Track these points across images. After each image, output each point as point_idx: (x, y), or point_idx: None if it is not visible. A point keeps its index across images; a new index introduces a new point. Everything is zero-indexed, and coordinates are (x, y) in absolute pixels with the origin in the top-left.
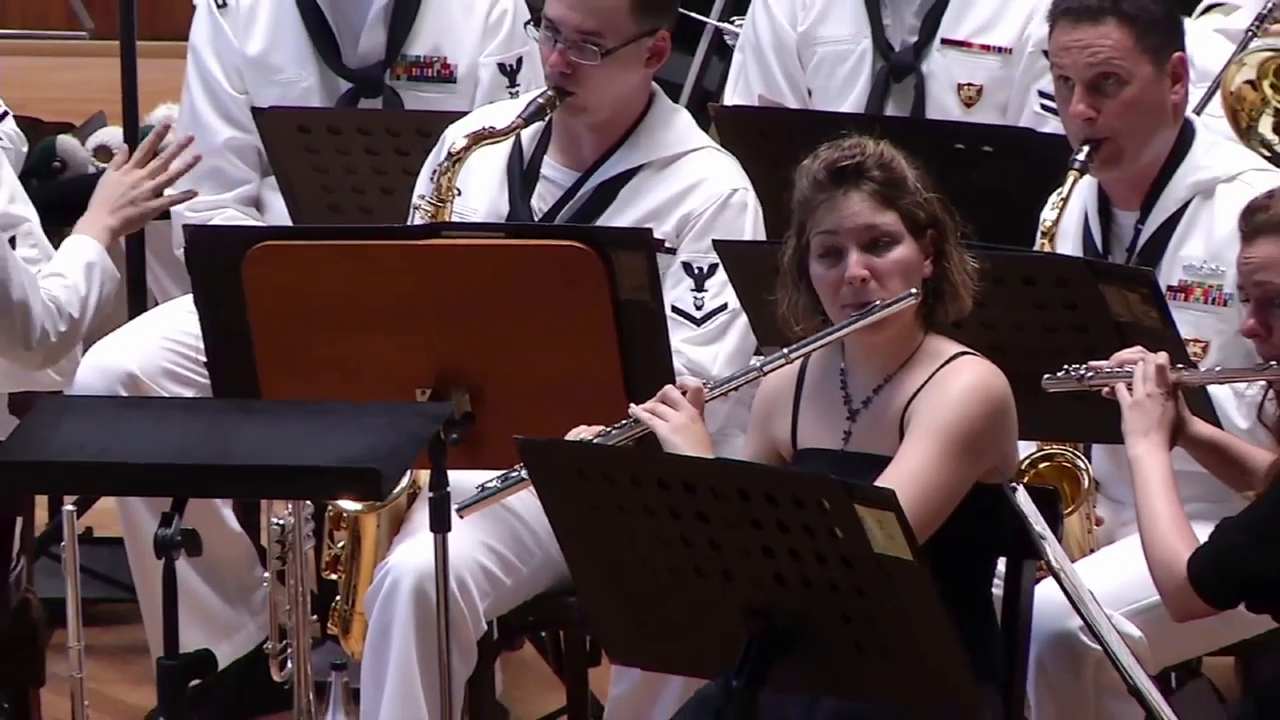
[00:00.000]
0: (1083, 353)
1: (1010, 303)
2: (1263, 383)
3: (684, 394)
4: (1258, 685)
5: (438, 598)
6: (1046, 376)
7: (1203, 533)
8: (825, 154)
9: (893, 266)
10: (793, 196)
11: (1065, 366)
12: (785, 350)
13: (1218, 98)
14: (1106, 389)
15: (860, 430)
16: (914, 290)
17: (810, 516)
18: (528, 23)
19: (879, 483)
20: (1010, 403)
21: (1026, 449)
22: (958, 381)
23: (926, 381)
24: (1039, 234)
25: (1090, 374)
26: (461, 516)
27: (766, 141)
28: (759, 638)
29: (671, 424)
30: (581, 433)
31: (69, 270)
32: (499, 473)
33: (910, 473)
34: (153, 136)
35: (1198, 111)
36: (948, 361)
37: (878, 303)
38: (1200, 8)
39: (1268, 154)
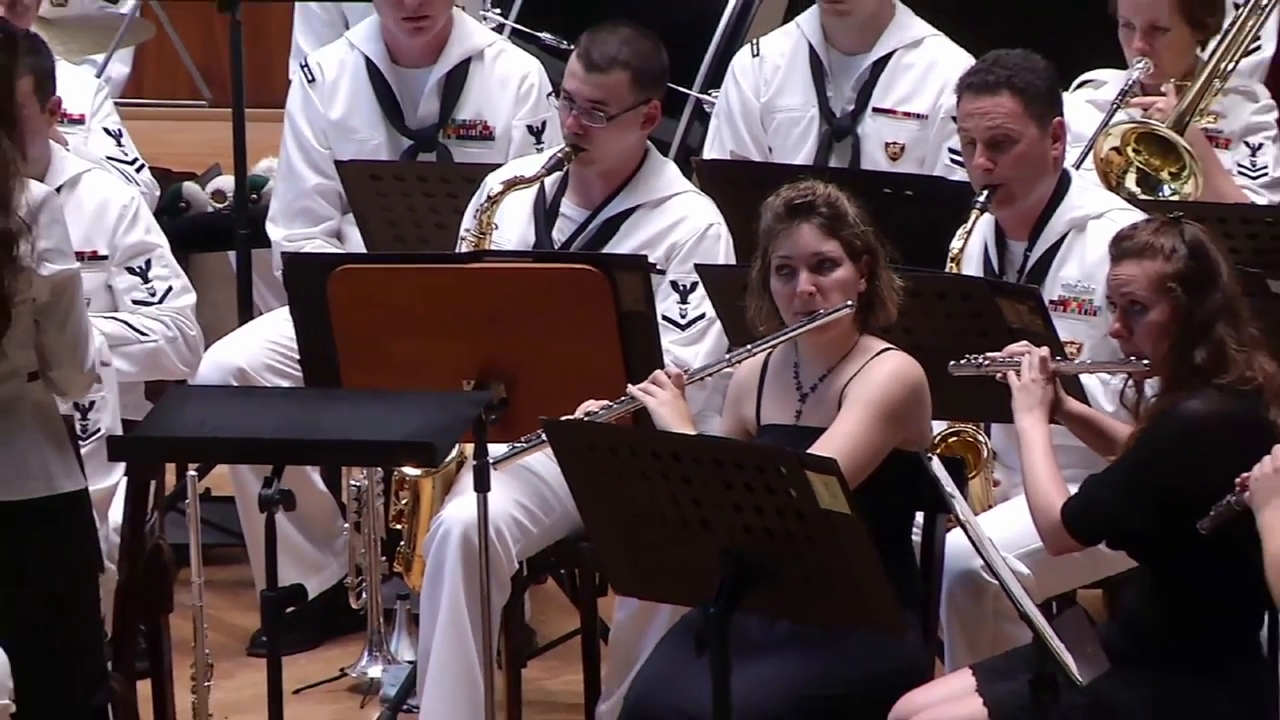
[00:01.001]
0: (983, 347)
1: (926, 313)
2: (1124, 374)
3: (669, 378)
4: (1120, 611)
5: (480, 543)
6: (952, 363)
7: (1074, 490)
8: (784, 193)
9: (834, 284)
10: (758, 227)
11: (967, 355)
12: (749, 346)
13: (1090, 159)
14: (1000, 374)
15: (809, 409)
16: (850, 302)
17: (771, 480)
18: (550, 94)
19: (821, 441)
20: (925, 387)
21: (939, 427)
22: (883, 368)
23: (859, 370)
24: (949, 260)
25: (987, 362)
26: (495, 469)
27: (736, 188)
28: (731, 575)
29: (658, 399)
30: (590, 405)
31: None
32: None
33: (843, 434)
34: None
35: (1076, 167)
36: (876, 355)
37: (821, 312)
38: (1075, 83)
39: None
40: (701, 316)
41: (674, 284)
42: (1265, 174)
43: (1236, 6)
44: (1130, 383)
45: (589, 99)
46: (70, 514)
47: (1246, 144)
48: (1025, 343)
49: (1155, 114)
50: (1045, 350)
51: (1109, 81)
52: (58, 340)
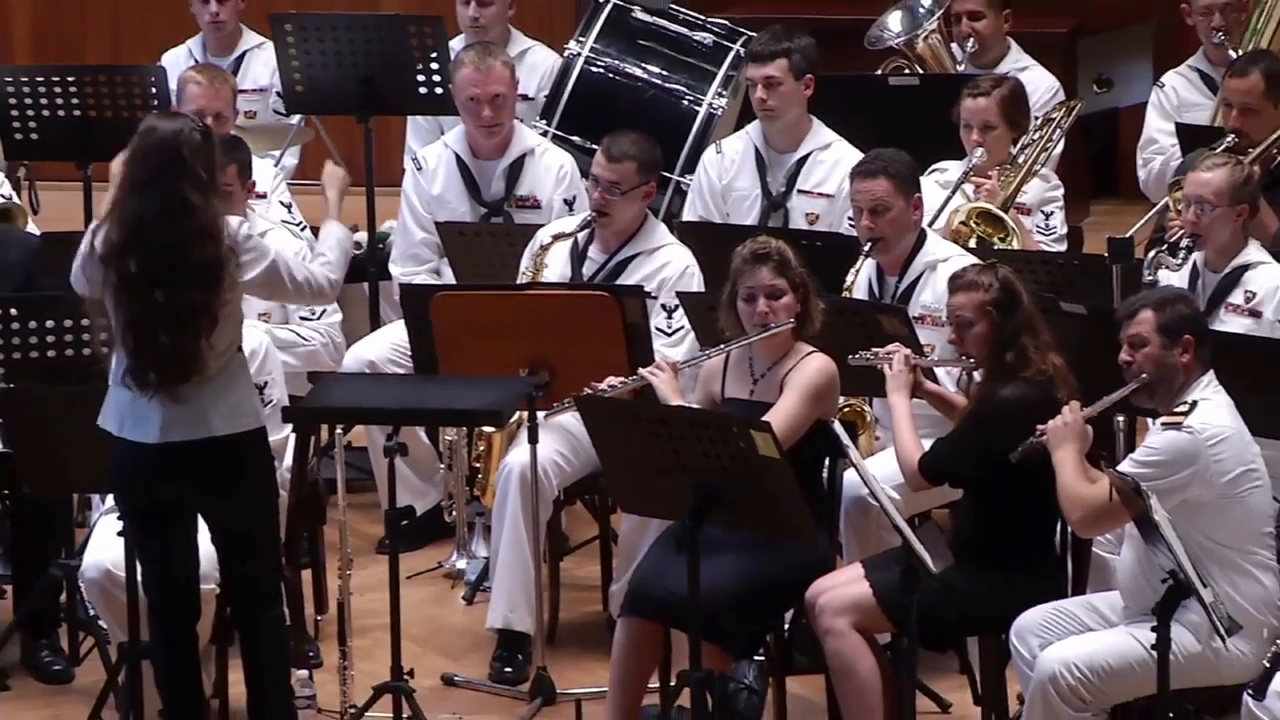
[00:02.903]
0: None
1: (837, 326)
2: (959, 368)
3: (668, 365)
4: (957, 525)
5: (532, 477)
6: (849, 357)
7: (927, 445)
8: (750, 244)
9: (781, 307)
10: (726, 267)
11: (859, 352)
12: (721, 345)
13: (941, 219)
14: (879, 366)
15: (759, 389)
16: (791, 320)
17: (727, 436)
18: (583, 175)
19: (767, 417)
20: (837, 377)
21: (840, 400)
22: (812, 364)
23: (795, 365)
24: (845, 289)
25: (871, 357)
26: (546, 419)
27: (704, 241)
28: (699, 499)
29: (660, 379)
30: (611, 380)
31: (328, 250)
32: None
33: (786, 409)
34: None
35: (929, 226)
36: (806, 355)
37: (773, 325)
38: (929, 170)
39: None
40: (682, 328)
41: (663, 305)
42: (1055, 232)
43: (1037, 118)
44: (964, 373)
45: (608, 180)
46: (265, 446)
47: (1043, 212)
48: (896, 344)
49: (985, 193)
50: (909, 350)
51: (950, 169)
52: (295, 294)
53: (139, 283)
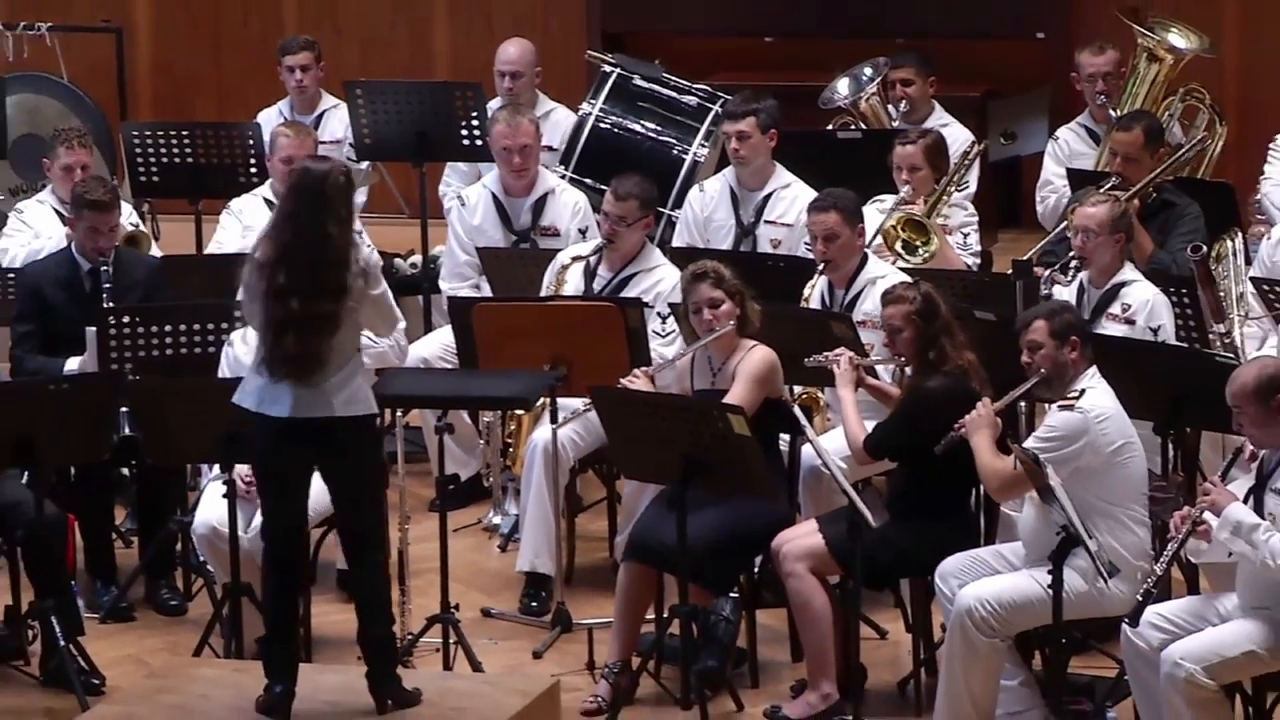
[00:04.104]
0: (821, 349)
1: (793, 330)
2: (893, 365)
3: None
4: (892, 488)
5: (553, 450)
6: (806, 359)
7: (870, 426)
8: (690, 267)
9: (722, 314)
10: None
11: (814, 355)
12: (680, 351)
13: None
14: (830, 364)
15: (718, 380)
16: (731, 323)
17: (709, 418)
18: (595, 210)
19: (728, 397)
20: (777, 361)
21: (799, 390)
22: (755, 355)
23: (742, 357)
24: (802, 300)
25: (823, 358)
26: (575, 416)
27: (690, 262)
28: (687, 468)
29: (637, 384)
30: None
31: None
32: (583, 401)
33: (737, 395)
34: None
35: (868, 248)
36: (750, 348)
37: (716, 329)
38: (869, 201)
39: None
40: (673, 331)
41: (658, 314)
42: (971, 249)
43: (955, 157)
44: (896, 369)
45: (616, 215)
46: (374, 428)
47: (962, 233)
48: (843, 349)
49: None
50: (852, 353)
51: (887, 200)
52: (383, 321)
53: (283, 293)
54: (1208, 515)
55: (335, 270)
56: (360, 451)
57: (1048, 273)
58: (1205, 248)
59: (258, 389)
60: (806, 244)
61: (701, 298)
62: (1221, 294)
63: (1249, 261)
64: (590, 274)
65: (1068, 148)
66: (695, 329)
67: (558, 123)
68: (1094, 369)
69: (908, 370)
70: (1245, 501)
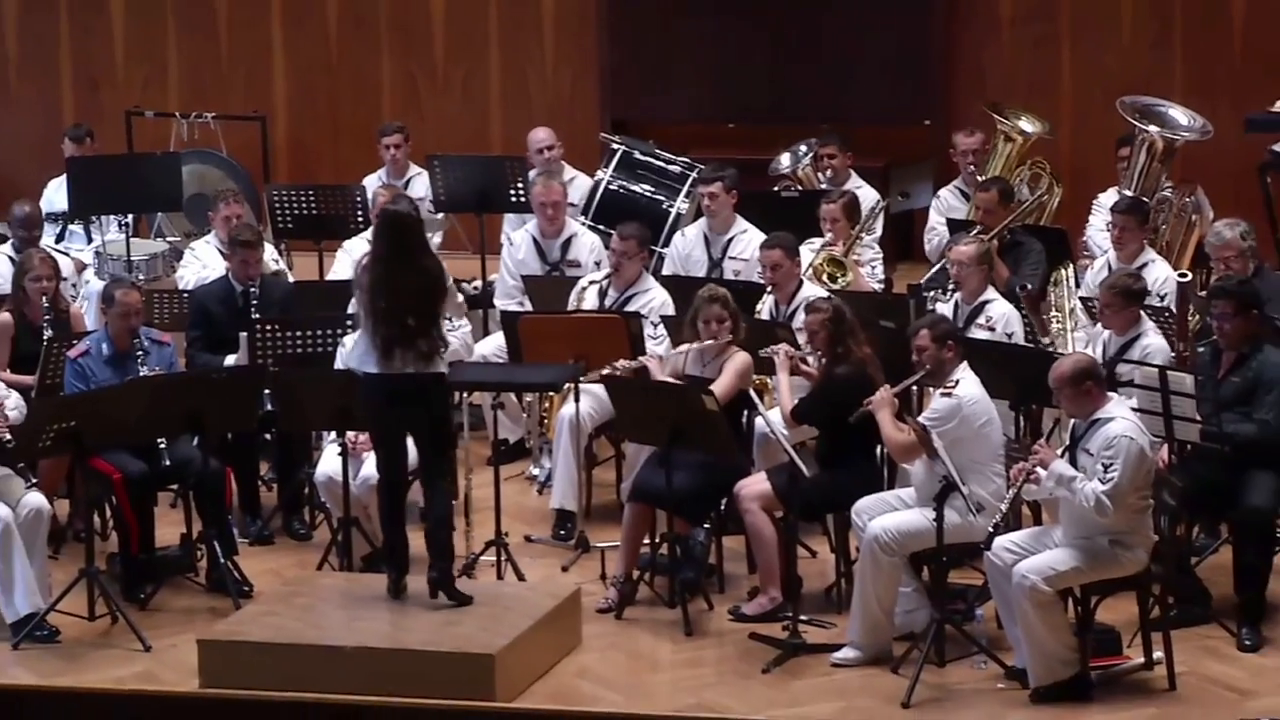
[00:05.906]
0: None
1: (753, 334)
2: (815, 357)
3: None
4: (819, 446)
5: (576, 421)
6: (760, 350)
7: (798, 400)
8: (707, 290)
9: (723, 328)
10: (690, 302)
11: (763, 349)
12: (686, 346)
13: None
14: (773, 356)
15: (707, 370)
16: (729, 336)
17: (690, 398)
18: (605, 248)
19: (713, 386)
20: (752, 363)
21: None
22: (739, 357)
23: (729, 357)
24: (755, 313)
25: (769, 351)
26: (584, 383)
27: (677, 287)
28: (672, 434)
29: (652, 365)
30: (623, 361)
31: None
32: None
33: (723, 383)
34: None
35: (803, 276)
36: (736, 352)
37: (719, 338)
38: (804, 243)
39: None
40: (662, 335)
41: (652, 324)
42: (878, 276)
43: (866, 210)
44: (817, 360)
45: (621, 250)
46: (445, 383)
47: (871, 266)
48: (783, 344)
49: (833, 250)
50: (789, 347)
51: (816, 243)
52: (454, 310)
53: (390, 313)
54: (1038, 469)
55: (427, 284)
56: (438, 400)
57: (932, 294)
58: (1030, 286)
59: (368, 359)
60: (759, 273)
61: (712, 314)
62: (1049, 316)
63: (1078, 285)
64: (603, 294)
65: (947, 203)
66: (700, 333)
67: (580, 186)
68: (965, 364)
69: (823, 361)
70: (1063, 457)
